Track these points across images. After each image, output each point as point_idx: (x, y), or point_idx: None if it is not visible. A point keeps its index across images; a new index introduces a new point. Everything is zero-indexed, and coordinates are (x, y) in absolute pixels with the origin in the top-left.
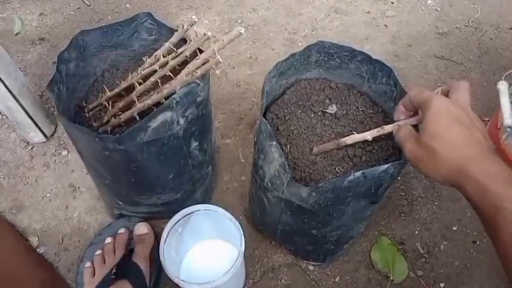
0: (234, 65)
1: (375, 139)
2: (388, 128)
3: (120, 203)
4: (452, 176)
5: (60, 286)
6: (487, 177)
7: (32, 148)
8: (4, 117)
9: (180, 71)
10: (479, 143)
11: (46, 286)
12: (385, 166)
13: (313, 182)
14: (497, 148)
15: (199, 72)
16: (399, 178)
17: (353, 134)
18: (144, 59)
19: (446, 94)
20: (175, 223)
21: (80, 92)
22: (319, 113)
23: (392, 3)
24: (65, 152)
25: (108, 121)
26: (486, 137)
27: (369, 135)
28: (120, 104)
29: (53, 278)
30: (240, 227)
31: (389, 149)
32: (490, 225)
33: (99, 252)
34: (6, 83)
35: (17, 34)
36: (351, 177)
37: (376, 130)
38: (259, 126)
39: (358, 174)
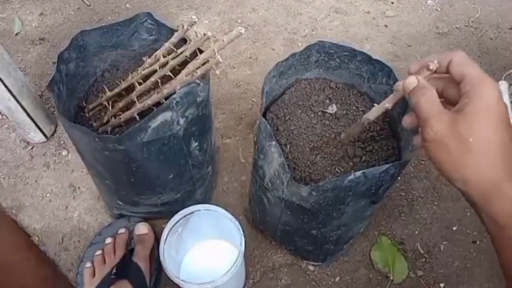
0: (234, 65)
1: (392, 109)
2: (408, 83)
3: (120, 203)
4: (477, 186)
5: (61, 283)
6: None
7: (32, 148)
8: (4, 117)
9: (180, 71)
10: None
11: (47, 282)
12: (385, 166)
13: (313, 182)
14: None
15: (199, 72)
16: (399, 178)
17: (373, 106)
18: (144, 59)
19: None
20: (175, 223)
21: (80, 92)
22: (319, 113)
23: (392, 3)
24: (65, 152)
25: (108, 121)
26: None
27: (387, 103)
28: (120, 104)
29: (54, 275)
30: (240, 227)
31: (389, 149)
32: (507, 245)
33: (99, 252)
34: (6, 83)
35: (17, 34)
36: (351, 177)
37: (392, 95)
38: (259, 126)
39: (358, 173)
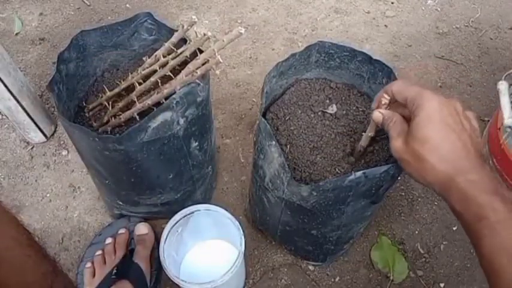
0: (234, 65)
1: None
2: (375, 118)
3: (120, 203)
4: (438, 184)
5: (61, 280)
6: (473, 187)
7: (32, 148)
8: (4, 117)
9: (180, 71)
10: (468, 151)
11: (48, 278)
12: (386, 167)
13: (313, 183)
14: (491, 148)
15: (199, 72)
16: (399, 178)
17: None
18: (144, 59)
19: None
20: (175, 223)
21: (80, 92)
22: (319, 113)
23: (392, 3)
24: (65, 152)
25: (108, 121)
26: (474, 139)
27: (369, 133)
28: (120, 104)
29: (55, 271)
30: (240, 227)
31: (389, 149)
32: (473, 235)
33: (99, 252)
34: (6, 83)
35: (17, 34)
36: (351, 177)
37: (371, 124)
38: (259, 126)
39: (359, 174)
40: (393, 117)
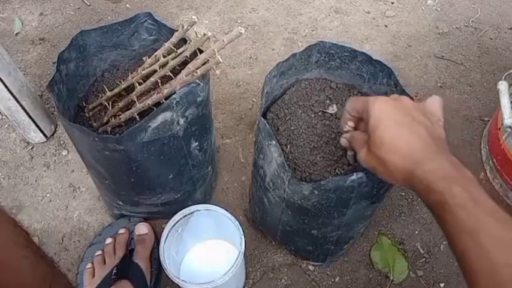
0: (234, 65)
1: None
2: (342, 142)
3: (120, 203)
4: (404, 180)
5: (60, 281)
6: (431, 176)
7: (32, 148)
8: (4, 117)
9: (180, 71)
10: (423, 141)
11: (46, 279)
12: None
13: (313, 183)
14: (491, 148)
15: (199, 72)
16: None
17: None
18: (144, 59)
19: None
20: (175, 223)
21: (80, 92)
22: (320, 113)
23: (392, 3)
24: (65, 152)
25: (108, 121)
26: (430, 128)
27: (349, 152)
28: (120, 104)
29: (53, 272)
30: (240, 227)
31: None
32: (439, 222)
33: (99, 252)
34: (6, 83)
35: (17, 34)
36: (353, 177)
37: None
38: (259, 126)
39: (361, 174)
40: (353, 134)
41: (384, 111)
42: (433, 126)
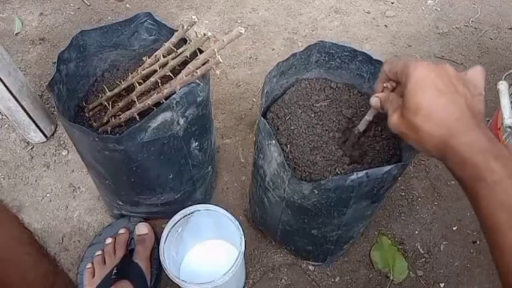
0: (234, 65)
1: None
2: (374, 103)
3: (120, 203)
4: (436, 150)
5: (62, 279)
6: (468, 149)
7: (32, 148)
8: (4, 117)
9: (180, 71)
10: (461, 112)
11: (48, 277)
12: (388, 167)
13: (313, 182)
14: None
15: (199, 72)
16: (399, 178)
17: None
18: (144, 59)
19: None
20: (175, 223)
21: (80, 92)
22: (320, 113)
23: (392, 3)
24: (65, 152)
25: (108, 121)
26: (469, 100)
27: (367, 116)
28: (120, 104)
29: (56, 271)
30: (240, 227)
31: (390, 149)
32: (471, 195)
33: (99, 252)
34: (6, 83)
35: (17, 34)
36: (353, 177)
37: (370, 110)
38: (258, 126)
39: (361, 174)
40: (389, 97)
41: (426, 76)
42: (473, 100)
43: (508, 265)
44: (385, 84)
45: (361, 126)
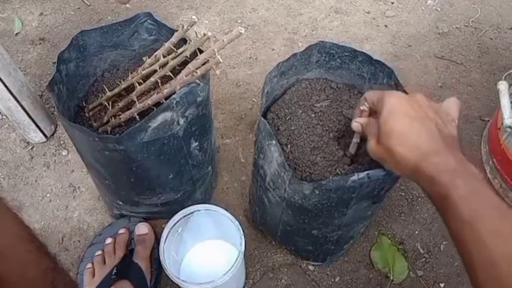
0: (234, 65)
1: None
2: (355, 127)
3: (120, 203)
4: (409, 172)
5: (62, 277)
6: (434, 169)
7: (32, 148)
8: (4, 117)
9: (180, 71)
10: (431, 135)
11: (48, 275)
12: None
13: (314, 182)
14: (491, 148)
15: (199, 72)
16: (399, 178)
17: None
18: (144, 59)
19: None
20: (175, 223)
21: (80, 92)
22: (320, 113)
23: (392, 3)
24: (65, 152)
25: (108, 121)
26: (440, 126)
27: (354, 139)
28: (120, 104)
29: (56, 268)
30: (240, 227)
31: None
32: (441, 213)
33: (99, 252)
34: (6, 83)
35: (17, 34)
36: (354, 178)
37: (355, 133)
38: (259, 126)
39: (362, 175)
40: (369, 121)
41: (398, 104)
42: (445, 125)
43: (477, 277)
44: (361, 107)
45: (352, 149)
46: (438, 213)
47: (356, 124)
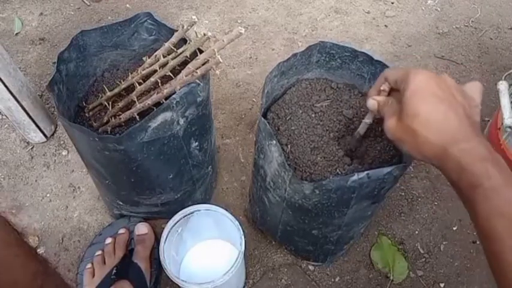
0: (234, 65)
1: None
2: (371, 106)
3: (120, 203)
4: (433, 156)
5: (53, 280)
6: (465, 156)
7: (32, 148)
8: (4, 117)
9: (180, 71)
10: (459, 120)
11: (37, 278)
12: (389, 168)
13: (315, 182)
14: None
15: (199, 72)
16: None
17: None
18: (144, 59)
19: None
20: (175, 223)
21: (80, 92)
22: (320, 113)
23: (392, 3)
24: (65, 152)
25: (108, 121)
26: (467, 110)
27: (367, 119)
28: (120, 104)
29: (47, 272)
30: (240, 227)
31: (391, 150)
32: (468, 202)
33: (99, 252)
34: (6, 83)
35: (17, 34)
36: (355, 177)
37: (369, 113)
38: (259, 126)
39: (362, 174)
40: (387, 100)
41: (425, 83)
42: (471, 110)
43: (507, 275)
44: (382, 87)
45: (361, 129)
46: (463, 203)
47: (373, 102)
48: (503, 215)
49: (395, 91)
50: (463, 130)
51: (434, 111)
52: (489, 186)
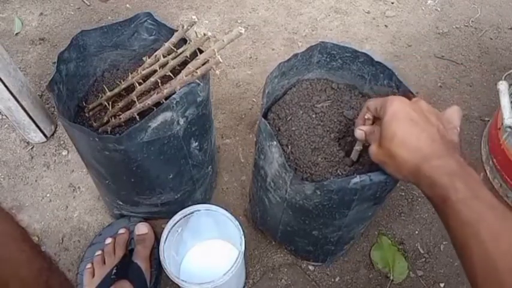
0: (234, 65)
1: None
2: (359, 135)
3: (120, 203)
4: (410, 174)
5: (57, 276)
6: (435, 172)
7: (32, 148)
8: (4, 117)
9: (180, 71)
10: (433, 140)
11: (43, 274)
12: None
13: (316, 183)
14: (491, 148)
15: (199, 72)
16: None
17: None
18: (144, 59)
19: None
20: (175, 223)
21: (80, 92)
22: (321, 114)
23: (392, 3)
24: (65, 152)
25: (108, 121)
26: (442, 131)
27: (357, 147)
28: (120, 104)
29: (51, 268)
30: (240, 227)
31: None
32: (441, 214)
33: (99, 252)
34: (6, 83)
35: (17, 34)
36: (356, 179)
37: (358, 141)
38: (259, 126)
39: (364, 177)
40: (372, 129)
41: (400, 108)
42: (446, 131)
43: (476, 278)
44: (366, 116)
45: (354, 156)
46: (439, 216)
47: (360, 132)
48: (470, 224)
49: (378, 119)
50: (435, 148)
51: (408, 132)
52: (456, 199)
